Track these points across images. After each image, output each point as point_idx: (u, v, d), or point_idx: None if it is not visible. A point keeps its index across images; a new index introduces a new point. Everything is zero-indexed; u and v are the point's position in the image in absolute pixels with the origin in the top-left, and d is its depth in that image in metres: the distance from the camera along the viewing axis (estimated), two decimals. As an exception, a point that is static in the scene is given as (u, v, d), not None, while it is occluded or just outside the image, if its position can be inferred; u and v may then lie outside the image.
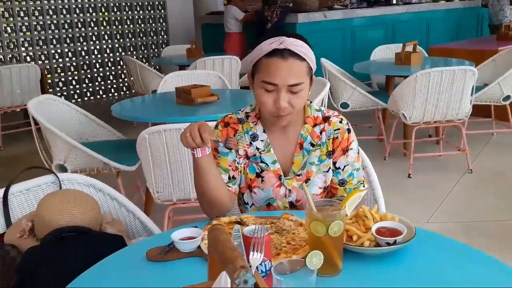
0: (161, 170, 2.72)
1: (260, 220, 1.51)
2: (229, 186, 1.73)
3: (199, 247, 1.38)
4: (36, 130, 3.36)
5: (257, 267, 1.10)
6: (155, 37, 8.59)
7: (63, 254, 1.53)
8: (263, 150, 1.71)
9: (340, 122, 1.72)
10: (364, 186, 1.74)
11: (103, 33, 8.02)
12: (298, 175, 1.71)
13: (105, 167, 3.34)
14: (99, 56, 8.08)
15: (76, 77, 7.94)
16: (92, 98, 8.16)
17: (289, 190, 1.71)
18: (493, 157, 4.81)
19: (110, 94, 8.31)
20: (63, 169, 3.31)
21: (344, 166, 1.72)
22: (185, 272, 1.31)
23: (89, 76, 8.06)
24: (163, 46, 8.16)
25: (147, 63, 8.03)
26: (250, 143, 1.72)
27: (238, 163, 1.74)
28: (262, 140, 1.72)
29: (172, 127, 2.58)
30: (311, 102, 1.76)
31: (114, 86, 8.34)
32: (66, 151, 3.24)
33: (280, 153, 1.72)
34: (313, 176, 1.71)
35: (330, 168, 1.72)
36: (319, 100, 3.33)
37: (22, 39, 7.33)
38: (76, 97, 8.02)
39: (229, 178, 1.73)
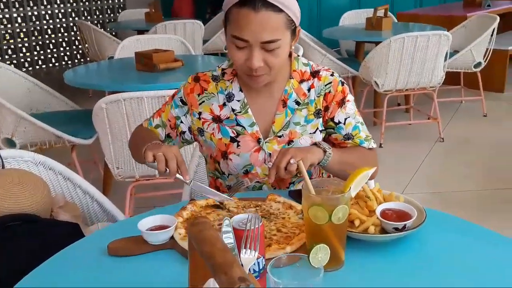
0: (122, 144, 2.45)
1: (242, 202, 1.29)
2: None
3: (172, 237, 1.15)
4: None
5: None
6: (110, 1, 8.10)
7: (7, 248, 1.27)
8: (239, 112, 1.50)
9: (332, 75, 1.52)
10: (373, 144, 1.55)
11: (54, -4, 7.49)
12: (279, 136, 1.50)
13: (58, 141, 3.03)
14: (50, 21, 7.55)
15: (26, 44, 7.41)
16: (44, 66, 7.66)
17: (269, 154, 1.50)
18: (463, 125, 4.73)
19: (64, 62, 7.82)
20: (11, 143, 2.99)
21: (345, 119, 1.52)
22: (155, 269, 1.08)
23: (40, 42, 7.54)
24: (119, 11, 7.69)
25: (102, 29, 7.58)
26: (224, 104, 1.50)
27: (182, 122, 1.55)
28: (238, 100, 1.50)
29: (132, 95, 2.31)
30: (298, 55, 1.54)
31: (68, 53, 7.84)
32: (14, 123, 2.91)
33: (259, 114, 1.51)
34: (298, 138, 1.50)
35: (317, 129, 1.52)
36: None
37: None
38: (26, 65, 7.52)
39: (165, 136, 1.58)
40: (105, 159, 2.57)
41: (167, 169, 1.27)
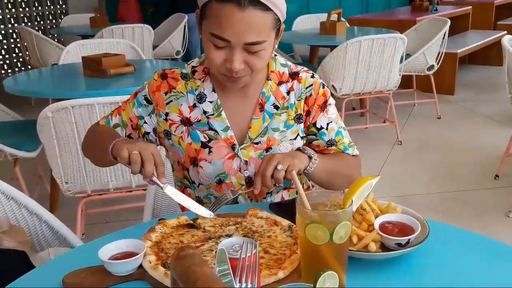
0: (71, 156, 2.22)
1: (219, 220, 1.13)
2: None
3: (140, 266, 0.97)
4: None
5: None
6: (52, 7, 7.71)
7: None
8: (212, 114, 1.34)
9: (312, 77, 1.39)
10: (357, 151, 1.45)
11: (-8, 2, 7.05)
12: (256, 143, 1.35)
13: (-1, 154, 2.76)
14: (-13, 28, 7.11)
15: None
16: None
17: (245, 162, 1.34)
18: (418, 128, 4.74)
19: (3, 71, 7.36)
20: None
21: (328, 124, 1.39)
22: (123, 305, 0.90)
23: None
24: (62, 17, 7.33)
25: (44, 35, 7.20)
26: (194, 105, 1.34)
27: (145, 123, 1.38)
28: (210, 102, 1.35)
29: (81, 102, 2.10)
30: (275, 55, 1.40)
31: (7, 61, 7.38)
32: None
33: (234, 117, 1.36)
34: (276, 144, 1.36)
35: (298, 135, 1.38)
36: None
37: None
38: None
39: (126, 136, 1.40)
40: (52, 173, 2.33)
41: (142, 170, 1.10)
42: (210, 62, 1.25)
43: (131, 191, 2.38)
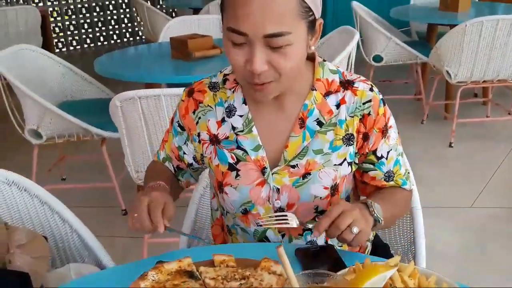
0: (139, 146, 2.18)
1: (224, 270, 0.96)
2: (179, 180, 1.32)
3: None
4: (5, 86, 2.83)
5: None
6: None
7: None
8: (241, 131, 1.15)
9: (371, 90, 1.14)
10: (413, 184, 1.25)
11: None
12: (293, 167, 1.13)
13: (86, 133, 2.82)
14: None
15: (82, 21, 7.35)
16: (105, 43, 7.61)
17: (277, 189, 1.14)
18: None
19: (112, 41, 7.68)
20: (37, 135, 2.81)
21: (388, 153, 1.17)
22: None
23: (88, 20, 7.44)
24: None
25: (158, 6, 7.38)
26: (223, 119, 1.16)
27: (184, 153, 1.24)
28: (240, 116, 1.15)
29: (148, 93, 2.02)
30: (324, 60, 1.17)
31: (117, 32, 7.69)
32: (39, 114, 2.72)
33: (267, 134, 1.15)
34: (316, 169, 1.13)
35: (345, 160, 1.14)
36: (344, 56, 2.69)
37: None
38: (88, 41, 7.49)
39: (175, 169, 1.30)
40: (124, 161, 2.30)
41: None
42: (233, 67, 1.05)
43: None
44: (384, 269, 0.73)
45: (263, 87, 1.04)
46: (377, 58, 4.05)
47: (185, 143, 1.23)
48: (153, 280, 0.92)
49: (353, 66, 2.85)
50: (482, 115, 4.16)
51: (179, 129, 1.23)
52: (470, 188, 3.10)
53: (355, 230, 0.96)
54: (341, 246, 1.20)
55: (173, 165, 1.28)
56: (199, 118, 1.19)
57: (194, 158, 1.24)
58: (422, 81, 4.24)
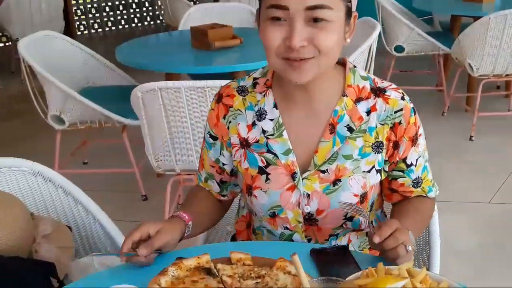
0: (160, 137, 2.21)
1: (241, 269, 0.99)
2: (223, 196, 1.32)
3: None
4: (30, 72, 2.89)
5: None
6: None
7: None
8: (272, 134, 1.16)
9: (402, 98, 1.15)
10: (437, 191, 1.26)
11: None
12: (323, 172, 1.14)
13: (108, 120, 2.87)
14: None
15: (103, 4, 7.40)
16: (126, 26, 7.66)
17: (307, 195, 1.15)
18: None
19: (133, 24, 7.71)
20: (60, 120, 2.87)
21: (416, 160, 1.19)
22: None
23: (123, 2, 7.50)
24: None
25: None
26: (253, 123, 1.17)
27: (224, 164, 1.25)
28: (271, 120, 1.16)
29: (169, 85, 2.04)
30: (355, 67, 1.18)
31: (137, 15, 7.72)
32: (62, 100, 2.78)
33: (297, 139, 1.16)
34: (347, 176, 1.14)
35: (373, 167, 1.16)
36: (365, 48, 2.68)
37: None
38: (109, 24, 7.55)
39: (219, 184, 1.29)
40: (145, 150, 2.35)
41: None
42: (268, 48, 1.04)
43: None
44: (394, 280, 0.75)
45: (301, 64, 1.03)
46: (399, 49, 4.02)
47: (220, 154, 1.23)
48: (173, 276, 0.96)
49: (373, 58, 2.84)
50: (504, 109, 4.11)
51: (211, 140, 1.24)
52: (489, 183, 3.08)
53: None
54: (362, 250, 1.23)
55: (216, 181, 1.28)
56: (230, 122, 1.20)
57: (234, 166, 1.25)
58: (444, 73, 4.19)
